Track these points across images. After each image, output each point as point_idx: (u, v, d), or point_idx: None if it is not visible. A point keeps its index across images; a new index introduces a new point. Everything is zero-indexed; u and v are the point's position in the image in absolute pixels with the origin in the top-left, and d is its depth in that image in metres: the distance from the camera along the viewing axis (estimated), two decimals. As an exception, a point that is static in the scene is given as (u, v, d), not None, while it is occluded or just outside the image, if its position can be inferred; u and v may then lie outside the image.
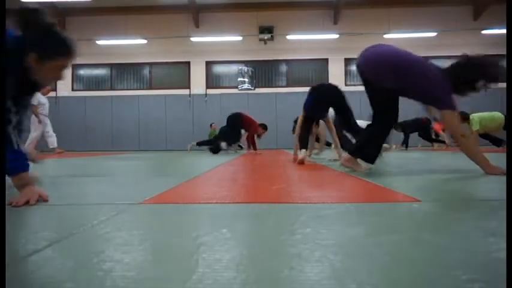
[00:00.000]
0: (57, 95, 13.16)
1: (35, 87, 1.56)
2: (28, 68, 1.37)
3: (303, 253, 0.72)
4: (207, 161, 4.64)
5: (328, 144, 5.91)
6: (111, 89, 13.40)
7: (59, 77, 1.46)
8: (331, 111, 4.24)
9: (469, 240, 0.82)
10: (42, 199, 1.38)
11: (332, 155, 4.61)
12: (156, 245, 0.81)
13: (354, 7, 12.47)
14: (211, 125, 11.71)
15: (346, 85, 12.29)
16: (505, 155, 4.78)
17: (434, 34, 12.03)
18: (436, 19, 12.42)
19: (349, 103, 4.10)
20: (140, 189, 1.85)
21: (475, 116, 7.45)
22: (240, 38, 12.50)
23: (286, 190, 1.72)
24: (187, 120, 13.02)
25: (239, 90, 12.72)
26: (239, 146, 9.18)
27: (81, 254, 0.74)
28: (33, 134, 8.33)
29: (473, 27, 12.36)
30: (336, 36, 12.21)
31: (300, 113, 4.26)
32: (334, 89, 4.09)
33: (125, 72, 13.46)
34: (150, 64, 13.35)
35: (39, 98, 8.37)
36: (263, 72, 13.19)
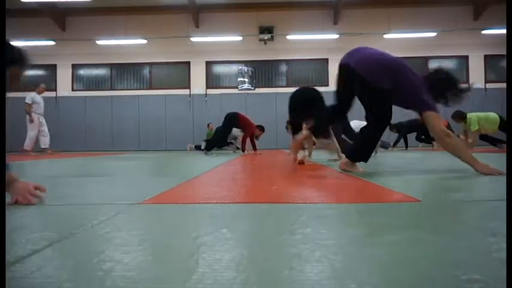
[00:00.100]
0: (57, 95, 13.17)
1: None
2: None
3: (303, 253, 0.72)
4: (207, 161, 4.64)
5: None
6: (111, 89, 13.40)
7: (15, 85, 1.50)
8: None
9: (469, 240, 0.82)
10: (39, 191, 1.37)
11: (332, 155, 4.61)
12: (156, 245, 0.81)
13: (354, 7, 12.47)
14: (208, 125, 11.73)
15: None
16: (500, 155, 4.78)
17: (434, 34, 12.03)
18: (436, 19, 12.42)
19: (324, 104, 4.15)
20: (140, 189, 1.85)
21: (472, 115, 7.36)
22: (240, 38, 12.50)
23: (286, 190, 1.72)
24: (187, 120, 13.02)
25: (239, 90, 12.72)
26: (237, 147, 9.22)
27: (81, 254, 0.74)
28: (31, 134, 8.34)
29: (473, 27, 12.36)
30: (336, 36, 12.21)
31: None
32: (305, 93, 4.22)
33: (124, 72, 13.46)
34: (150, 64, 13.35)
35: (34, 97, 8.37)
36: (263, 72, 13.19)
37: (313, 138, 5.57)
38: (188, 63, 13.27)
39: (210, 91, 13.17)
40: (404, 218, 1.09)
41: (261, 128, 8.07)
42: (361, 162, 2.63)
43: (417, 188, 1.79)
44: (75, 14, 12.98)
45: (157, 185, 1.97)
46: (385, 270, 0.63)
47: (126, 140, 13.02)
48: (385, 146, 8.24)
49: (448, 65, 12.93)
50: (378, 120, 2.59)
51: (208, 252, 0.73)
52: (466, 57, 12.78)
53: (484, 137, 7.66)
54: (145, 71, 13.46)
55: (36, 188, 1.38)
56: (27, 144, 8.32)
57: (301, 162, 3.57)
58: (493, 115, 7.29)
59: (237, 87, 12.76)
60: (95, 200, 1.47)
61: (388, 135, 8.94)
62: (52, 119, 11.41)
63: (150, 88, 13.36)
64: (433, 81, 2.53)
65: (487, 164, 2.28)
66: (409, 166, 3.24)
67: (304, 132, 2.70)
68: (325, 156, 4.78)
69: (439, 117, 2.42)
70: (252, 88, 12.71)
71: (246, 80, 12.66)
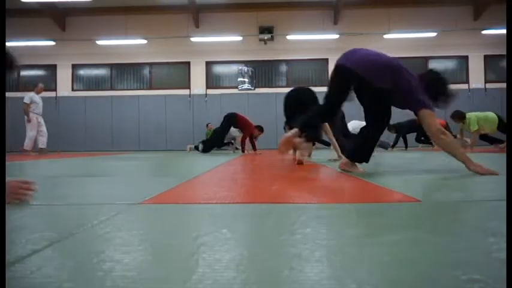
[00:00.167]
0: (57, 95, 13.17)
1: None
2: None
3: (303, 253, 0.72)
4: (207, 161, 4.64)
5: (327, 144, 5.92)
6: (111, 89, 13.40)
7: None
8: None
9: (469, 240, 0.82)
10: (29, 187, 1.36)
11: (332, 155, 4.62)
12: (156, 245, 0.81)
13: (354, 7, 12.48)
14: (207, 125, 11.73)
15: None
16: (500, 155, 4.78)
17: (434, 34, 12.03)
18: (436, 19, 12.42)
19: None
20: (140, 189, 1.85)
21: (471, 115, 7.32)
22: (240, 38, 12.50)
23: (286, 190, 1.72)
24: (187, 120, 13.02)
25: (239, 90, 12.72)
26: (236, 148, 9.24)
27: (81, 254, 0.74)
28: (30, 134, 8.33)
29: (473, 27, 12.36)
30: (336, 36, 12.21)
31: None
32: (300, 93, 4.23)
33: (125, 72, 13.47)
34: (150, 64, 13.35)
35: (33, 97, 8.36)
36: (263, 72, 13.20)
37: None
38: (188, 63, 13.28)
39: (210, 91, 13.17)
40: (404, 218, 1.09)
41: (260, 129, 8.09)
42: (363, 162, 2.63)
43: (417, 188, 1.79)
44: (75, 14, 12.98)
45: (157, 185, 1.97)
46: (385, 270, 0.63)
47: (126, 140, 13.02)
48: (384, 146, 8.23)
49: (448, 65, 12.96)
50: (377, 120, 2.60)
51: (208, 252, 0.73)
52: (466, 57, 12.79)
53: (484, 137, 7.64)
54: (145, 71, 13.46)
55: (25, 184, 1.37)
56: (27, 144, 8.32)
57: (300, 162, 3.57)
58: (492, 115, 7.26)
59: (237, 87, 12.76)
60: (95, 200, 1.47)
61: (388, 136, 8.95)
62: (52, 119, 11.42)
63: (150, 88, 13.36)
64: (429, 81, 2.55)
65: (480, 164, 2.30)
66: (409, 166, 3.24)
67: (293, 131, 2.68)
68: (325, 156, 4.78)
69: (434, 115, 2.47)
70: (252, 88, 12.71)
71: (246, 80, 12.66)
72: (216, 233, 0.89)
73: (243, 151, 7.88)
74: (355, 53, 2.60)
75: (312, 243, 0.79)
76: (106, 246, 0.80)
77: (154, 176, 2.76)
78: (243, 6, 12.65)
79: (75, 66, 13.41)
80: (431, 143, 9.56)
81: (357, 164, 2.61)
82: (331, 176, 2.45)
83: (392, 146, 9.11)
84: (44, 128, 8.65)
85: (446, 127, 8.80)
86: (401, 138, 9.31)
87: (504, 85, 11.75)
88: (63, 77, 13.35)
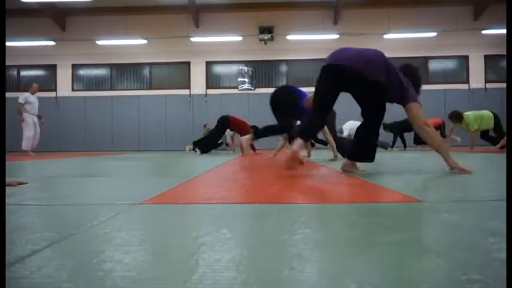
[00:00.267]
0: (57, 95, 13.17)
1: None
2: None
3: (303, 253, 0.72)
4: (207, 161, 4.64)
5: (325, 143, 5.91)
6: (111, 89, 13.39)
7: None
8: None
9: (469, 240, 0.82)
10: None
11: (331, 155, 4.62)
12: (156, 245, 0.81)
13: (354, 7, 12.47)
14: (205, 125, 11.72)
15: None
16: (500, 155, 4.78)
17: (434, 34, 12.03)
18: (436, 19, 12.41)
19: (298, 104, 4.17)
20: (140, 190, 1.85)
21: (469, 115, 7.25)
22: (240, 38, 12.50)
23: (286, 190, 1.72)
24: (187, 120, 13.01)
25: (239, 90, 12.71)
26: (226, 144, 9.37)
27: (81, 254, 0.74)
28: (27, 134, 8.30)
29: (473, 27, 12.36)
30: (336, 36, 12.21)
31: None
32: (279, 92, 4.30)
33: (125, 72, 13.46)
34: (150, 64, 13.35)
35: (28, 97, 8.33)
36: (263, 72, 13.19)
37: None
38: (188, 63, 13.27)
39: (210, 91, 13.17)
40: (404, 218, 1.09)
41: (256, 129, 8.14)
42: (367, 162, 2.66)
43: (417, 188, 1.79)
44: (75, 14, 12.98)
45: (157, 185, 1.97)
46: (385, 270, 0.63)
47: (126, 140, 13.01)
48: (384, 146, 8.23)
49: (448, 65, 12.96)
50: (375, 117, 2.63)
51: (208, 252, 0.73)
52: (466, 57, 12.78)
53: (485, 138, 7.62)
54: (145, 71, 13.45)
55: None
56: (25, 144, 8.30)
57: (301, 163, 3.57)
58: (487, 113, 7.22)
59: (237, 88, 12.75)
60: (95, 200, 1.47)
61: (388, 136, 8.95)
62: (52, 119, 11.41)
63: (150, 88, 13.35)
64: (412, 75, 2.63)
65: (457, 162, 2.41)
66: (408, 166, 3.24)
67: (296, 145, 2.60)
68: (326, 156, 4.78)
69: (420, 107, 2.52)
70: (252, 88, 12.70)
71: (246, 80, 12.66)
72: (216, 233, 0.89)
73: (242, 151, 7.90)
74: (344, 52, 2.60)
75: (312, 243, 0.79)
76: (106, 247, 0.80)
77: (154, 176, 2.76)
78: (243, 6, 12.65)
79: (75, 66, 13.41)
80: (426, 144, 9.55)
81: (357, 164, 2.62)
82: (331, 176, 2.45)
83: (392, 146, 9.11)
84: (38, 129, 8.59)
85: (442, 126, 8.79)
86: (399, 139, 9.31)
87: (504, 85, 11.74)
88: (63, 77, 13.35)
